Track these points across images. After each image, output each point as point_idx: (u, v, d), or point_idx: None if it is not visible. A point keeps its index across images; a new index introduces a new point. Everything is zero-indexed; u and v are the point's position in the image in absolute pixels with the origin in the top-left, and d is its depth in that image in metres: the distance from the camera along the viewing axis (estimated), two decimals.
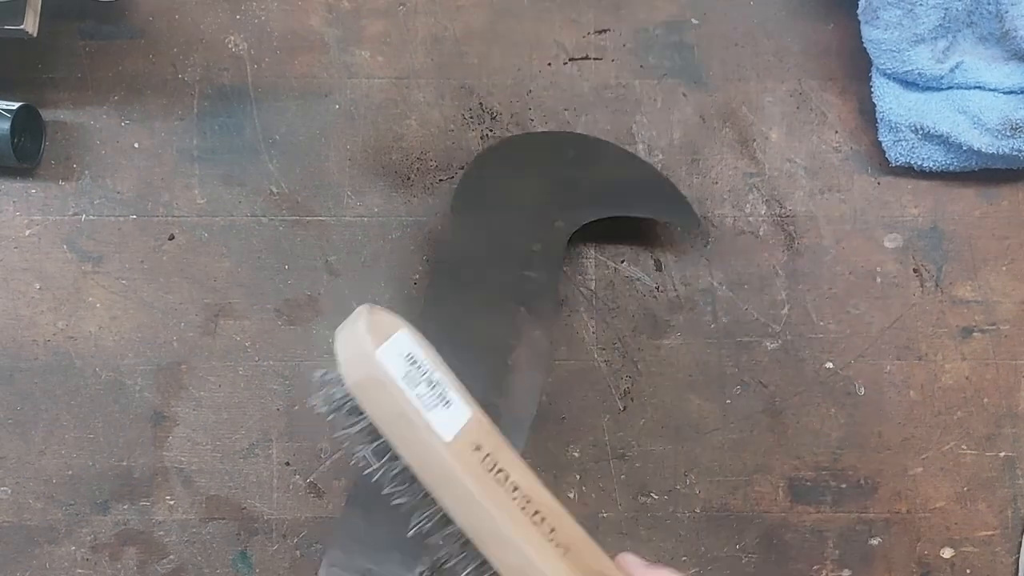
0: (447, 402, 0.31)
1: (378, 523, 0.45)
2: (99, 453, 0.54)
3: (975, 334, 0.56)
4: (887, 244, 0.57)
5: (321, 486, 0.54)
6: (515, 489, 0.31)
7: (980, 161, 0.55)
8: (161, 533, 0.54)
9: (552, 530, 0.31)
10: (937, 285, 0.56)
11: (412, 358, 0.30)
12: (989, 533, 0.55)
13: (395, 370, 0.29)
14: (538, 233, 0.52)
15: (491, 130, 0.57)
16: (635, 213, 0.54)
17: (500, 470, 0.30)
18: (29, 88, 0.56)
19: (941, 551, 0.55)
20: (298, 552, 0.54)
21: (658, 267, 0.56)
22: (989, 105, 0.54)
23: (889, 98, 0.55)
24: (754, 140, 0.57)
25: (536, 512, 0.31)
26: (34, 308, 0.55)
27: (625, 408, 0.55)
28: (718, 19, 0.58)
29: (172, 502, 0.54)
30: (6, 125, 0.52)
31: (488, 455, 0.31)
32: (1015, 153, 0.53)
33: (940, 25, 0.53)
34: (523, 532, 0.30)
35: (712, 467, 0.55)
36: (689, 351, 0.56)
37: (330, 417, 0.31)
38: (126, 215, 0.56)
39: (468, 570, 0.31)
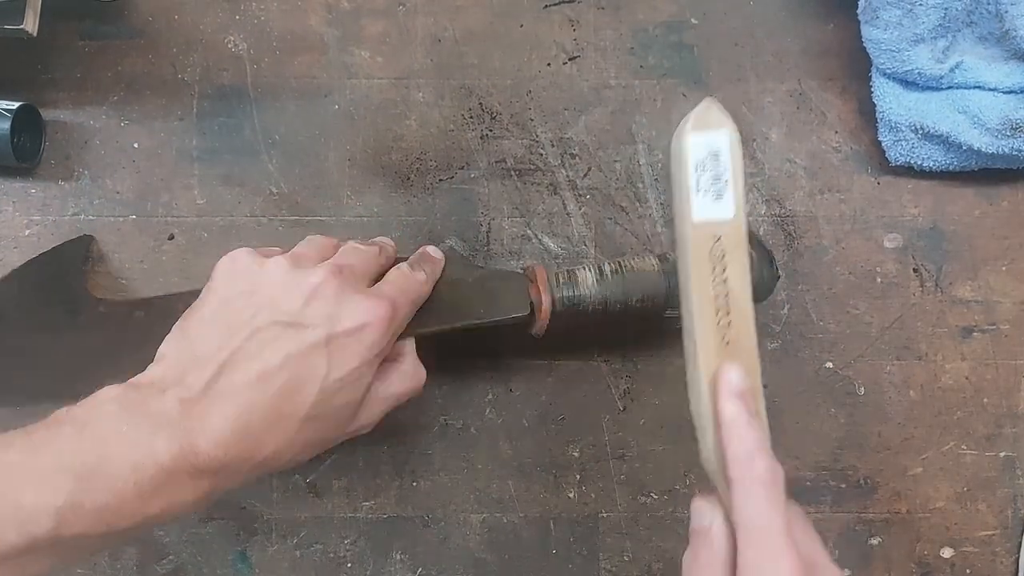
0: (718, 197, 0.37)
1: None
2: None
3: (975, 334, 0.56)
4: (887, 244, 0.57)
5: (321, 486, 0.54)
6: (724, 282, 0.37)
7: (980, 161, 0.55)
8: (161, 533, 0.54)
9: (729, 324, 0.37)
10: (937, 285, 0.56)
11: (716, 155, 0.37)
12: (989, 533, 0.55)
13: (695, 154, 0.37)
14: None
15: (491, 130, 0.57)
16: None
17: (722, 266, 0.37)
18: (29, 88, 0.56)
19: (941, 551, 0.55)
20: (298, 552, 0.54)
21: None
22: (989, 105, 0.54)
23: (889, 98, 0.55)
24: (754, 140, 0.57)
25: (726, 312, 0.37)
26: None
27: (625, 408, 0.55)
28: (718, 19, 0.58)
29: None
30: (6, 125, 0.52)
31: (722, 249, 0.37)
32: (1015, 153, 0.53)
33: (940, 25, 0.53)
34: (703, 309, 0.37)
35: None
36: None
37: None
38: (126, 215, 0.56)
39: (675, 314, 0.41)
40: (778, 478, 0.36)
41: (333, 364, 0.39)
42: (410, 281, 0.45)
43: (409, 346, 0.46)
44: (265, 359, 0.38)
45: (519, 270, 0.51)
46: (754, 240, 0.51)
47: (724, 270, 0.37)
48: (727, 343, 0.37)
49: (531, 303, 0.48)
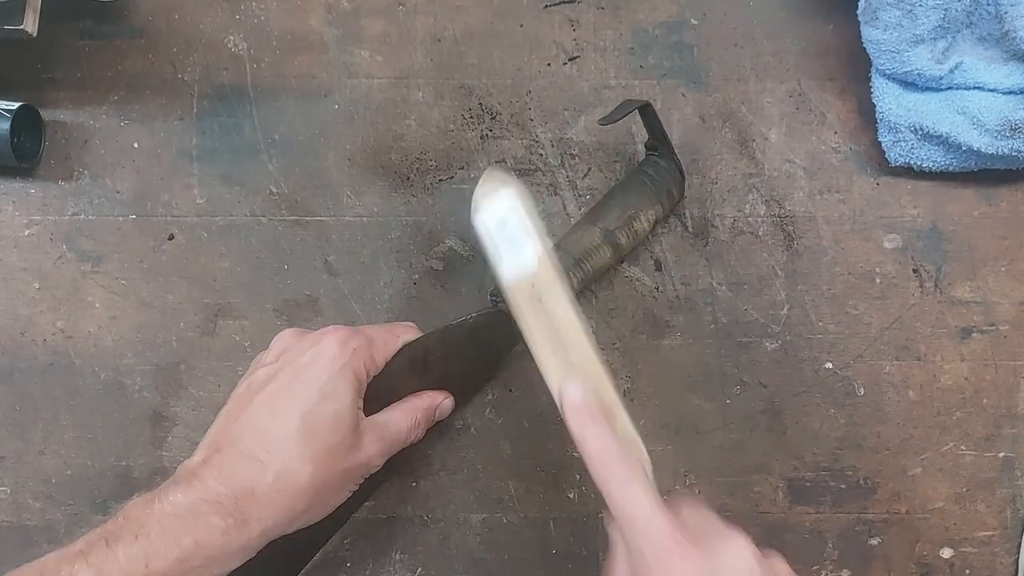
0: (519, 252, 0.42)
1: None
2: (98, 453, 0.54)
3: (974, 335, 0.56)
4: (886, 244, 0.57)
5: None
6: (547, 316, 0.42)
7: (979, 161, 0.55)
8: None
9: (566, 349, 0.42)
10: (936, 286, 0.56)
11: (504, 221, 0.43)
12: (988, 533, 0.55)
13: (486, 230, 0.43)
14: None
15: (491, 130, 0.57)
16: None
17: (542, 304, 0.42)
18: (29, 88, 0.56)
19: (940, 551, 0.55)
20: None
21: (658, 267, 0.56)
22: (988, 105, 0.54)
23: (889, 98, 0.55)
24: (753, 140, 0.57)
25: (559, 338, 0.42)
26: (33, 308, 0.55)
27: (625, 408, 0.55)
28: (717, 19, 0.58)
29: None
30: (6, 125, 0.52)
31: (538, 292, 0.42)
32: (1014, 153, 0.53)
33: (939, 26, 0.53)
34: (540, 347, 0.42)
35: (712, 467, 0.55)
36: (689, 351, 0.56)
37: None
38: (125, 215, 0.56)
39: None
40: (632, 466, 0.38)
41: (304, 380, 0.44)
42: (381, 328, 0.50)
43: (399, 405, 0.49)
44: (240, 392, 0.45)
45: (491, 302, 0.52)
46: (665, 146, 0.54)
47: (543, 308, 0.42)
48: (572, 364, 0.41)
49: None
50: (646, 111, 0.53)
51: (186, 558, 0.38)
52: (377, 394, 0.47)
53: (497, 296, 0.52)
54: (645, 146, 0.56)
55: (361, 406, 0.46)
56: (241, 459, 0.41)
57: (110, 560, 0.36)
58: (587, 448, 0.38)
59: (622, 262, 0.55)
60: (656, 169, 0.54)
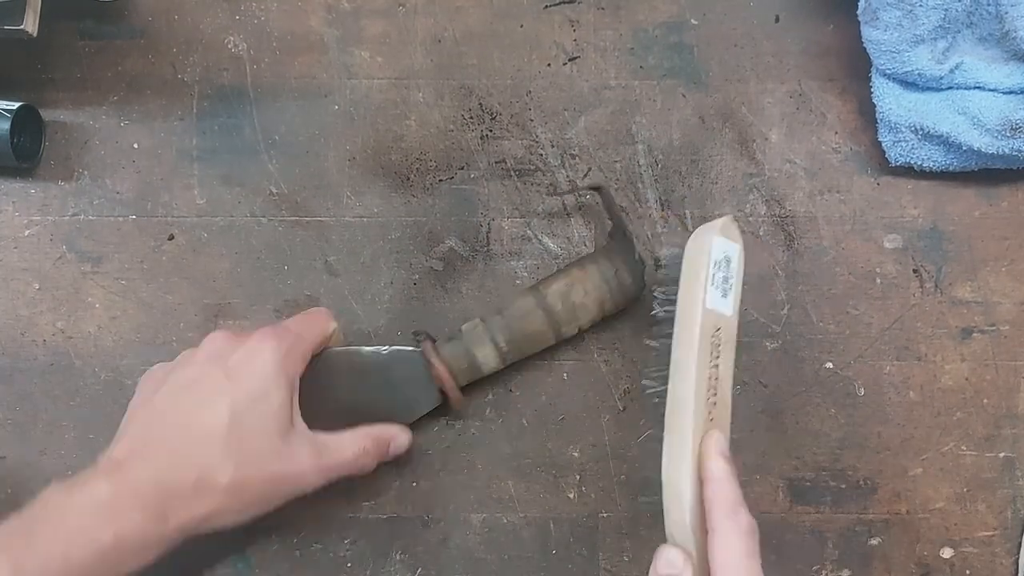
0: (724, 295, 0.44)
1: None
2: (98, 453, 0.54)
3: (975, 335, 0.56)
4: (887, 245, 0.57)
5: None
6: (716, 367, 0.43)
7: (980, 161, 0.55)
8: None
9: (715, 404, 0.43)
10: (937, 286, 0.56)
11: (729, 260, 0.45)
12: (989, 533, 0.55)
13: (715, 254, 0.44)
14: None
15: (491, 130, 0.57)
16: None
17: (717, 352, 0.43)
18: (29, 88, 0.56)
19: (941, 551, 0.55)
20: (298, 552, 0.54)
21: (658, 267, 0.56)
22: (989, 105, 0.54)
23: (889, 98, 0.55)
24: (754, 141, 0.57)
25: (714, 392, 0.43)
26: (33, 308, 0.55)
27: (625, 408, 0.55)
28: (718, 20, 0.58)
29: None
30: (6, 125, 0.52)
31: (719, 339, 0.43)
32: (1015, 153, 0.53)
33: (940, 26, 0.53)
34: (699, 385, 0.42)
35: None
36: None
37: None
38: (125, 215, 0.56)
39: (656, 388, 0.46)
40: (756, 533, 0.39)
41: (234, 379, 0.44)
42: (303, 322, 0.49)
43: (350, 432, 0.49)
44: (167, 387, 0.45)
45: (416, 341, 0.52)
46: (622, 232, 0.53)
47: (717, 357, 0.43)
48: (711, 419, 0.43)
49: (439, 390, 0.51)
50: (603, 194, 0.53)
51: (105, 552, 0.39)
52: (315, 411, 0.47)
53: (422, 336, 0.51)
54: (608, 234, 0.54)
55: (297, 412, 0.46)
56: (166, 454, 0.42)
57: (29, 556, 0.37)
58: (721, 494, 0.40)
59: (562, 337, 0.52)
60: (610, 249, 0.52)
